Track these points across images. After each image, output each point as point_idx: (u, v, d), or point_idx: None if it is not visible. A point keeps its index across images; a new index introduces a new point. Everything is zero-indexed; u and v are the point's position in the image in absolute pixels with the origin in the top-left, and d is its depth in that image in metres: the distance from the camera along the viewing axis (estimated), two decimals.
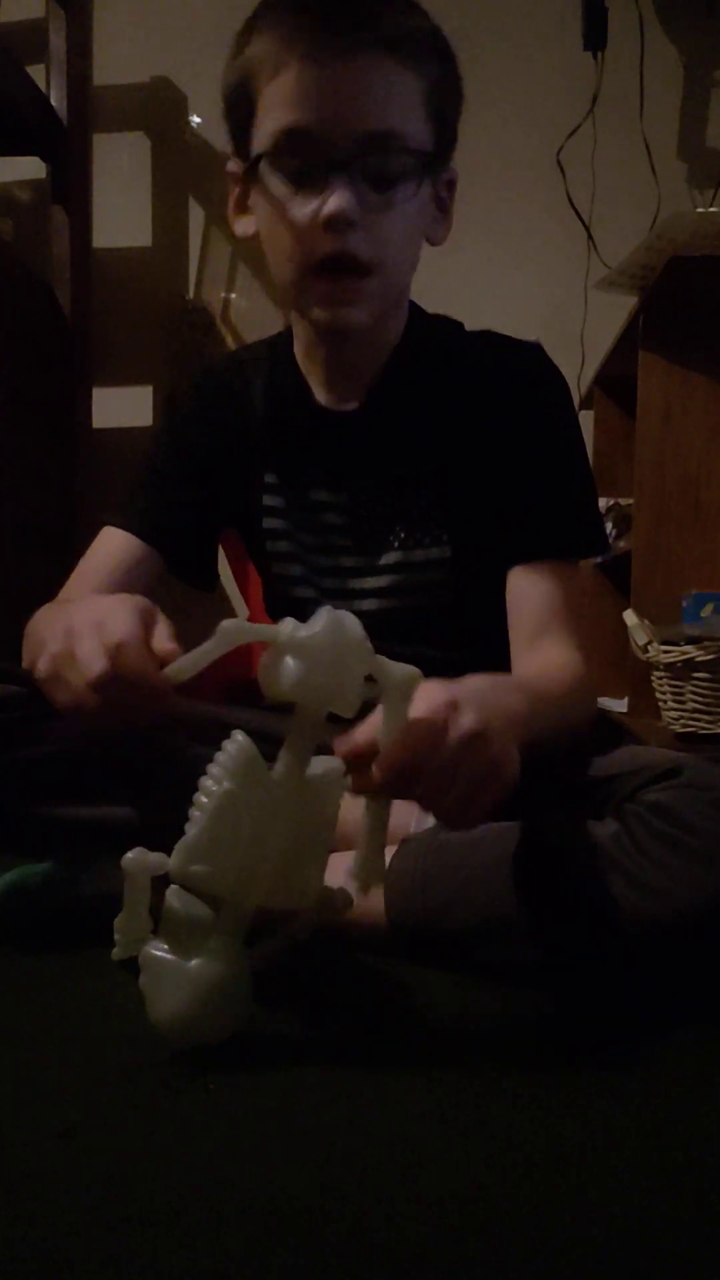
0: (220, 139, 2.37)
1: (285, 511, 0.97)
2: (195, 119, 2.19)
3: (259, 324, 2.18)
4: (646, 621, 1.47)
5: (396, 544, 0.95)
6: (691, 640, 1.39)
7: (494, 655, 0.90)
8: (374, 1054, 0.65)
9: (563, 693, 0.83)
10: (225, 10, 2.11)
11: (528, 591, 0.90)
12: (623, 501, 1.78)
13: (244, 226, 0.91)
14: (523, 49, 2.10)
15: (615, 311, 1.78)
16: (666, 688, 1.44)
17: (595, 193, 2.04)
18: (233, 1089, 0.58)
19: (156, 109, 2.19)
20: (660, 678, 1.46)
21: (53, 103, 2.06)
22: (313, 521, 0.97)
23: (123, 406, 2.23)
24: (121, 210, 2.21)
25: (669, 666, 1.41)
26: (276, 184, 0.83)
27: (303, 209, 0.81)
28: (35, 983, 0.75)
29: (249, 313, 2.20)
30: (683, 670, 1.40)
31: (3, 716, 0.84)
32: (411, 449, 0.94)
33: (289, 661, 0.60)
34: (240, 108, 0.85)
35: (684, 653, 1.39)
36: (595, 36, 2.01)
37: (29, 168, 2.14)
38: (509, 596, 0.92)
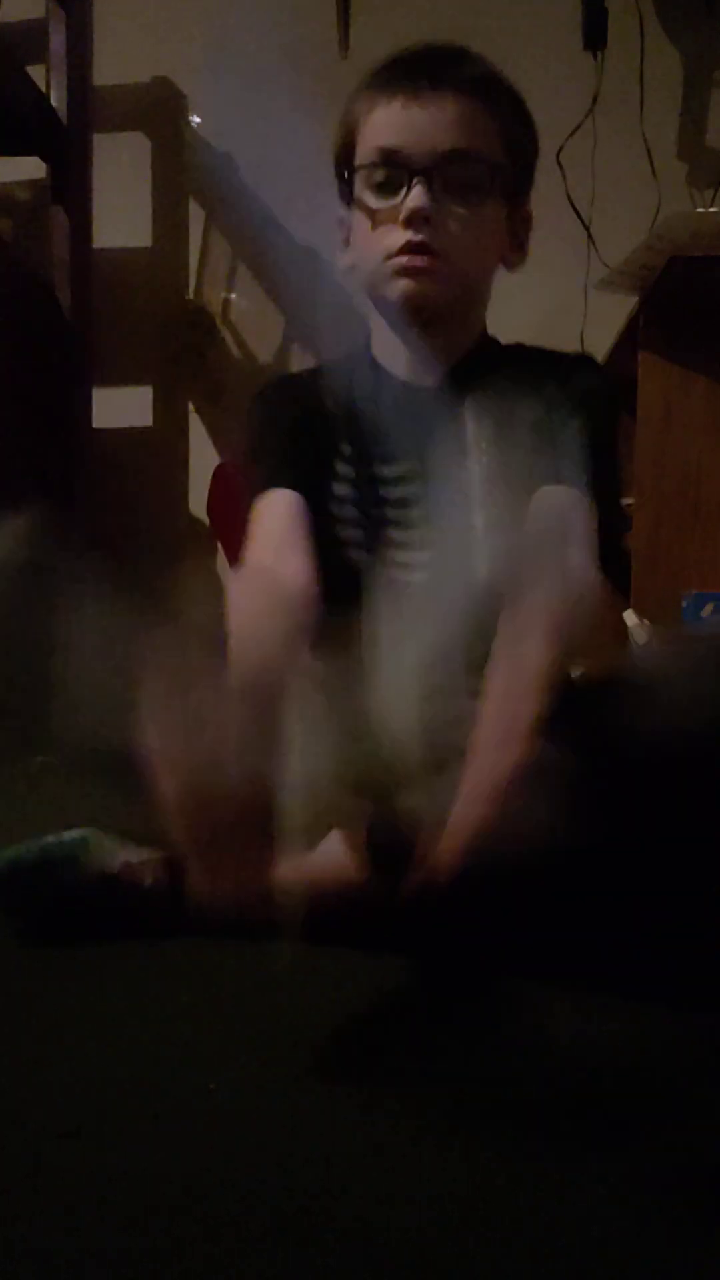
0: (220, 139, 2.37)
1: (355, 480, 1.02)
2: (195, 119, 2.19)
3: (259, 324, 2.18)
4: (646, 621, 1.47)
5: (459, 517, 0.98)
6: None
7: None
8: (374, 1054, 0.64)
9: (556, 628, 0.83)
10: (225, 10, 2.13)
11: (550, 505, 0.93)
12: (623, 501, 1.78)
13: (346, 259, 1.03)
14: (523, 49, 2.10)
15: (615, 311, 1.78)
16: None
17: (595, 193, 2.04)
18: (233, 1089, 0.58)
19: (156, 109, 2.19)
20: None
21: (53, 103, 2.06)
22: (379, 492, 1.01)
23: (123, 406, 2.23)
24: (121, 210, 2.21)
25: None
26: (366, 194, 0.96)
27: (387, 210, 0.94)
28: (37, 983, 0.75)
29: (249, 313, 2.20)
30: None
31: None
32: (487, 432, 0.98)
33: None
34: (345, 156, 0.99)
35: None
36: (595, 36, 2.01)
37: (29, 168, 2.14)
38: (530, 513, 0.95)
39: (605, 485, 1.01)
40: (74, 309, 2.10)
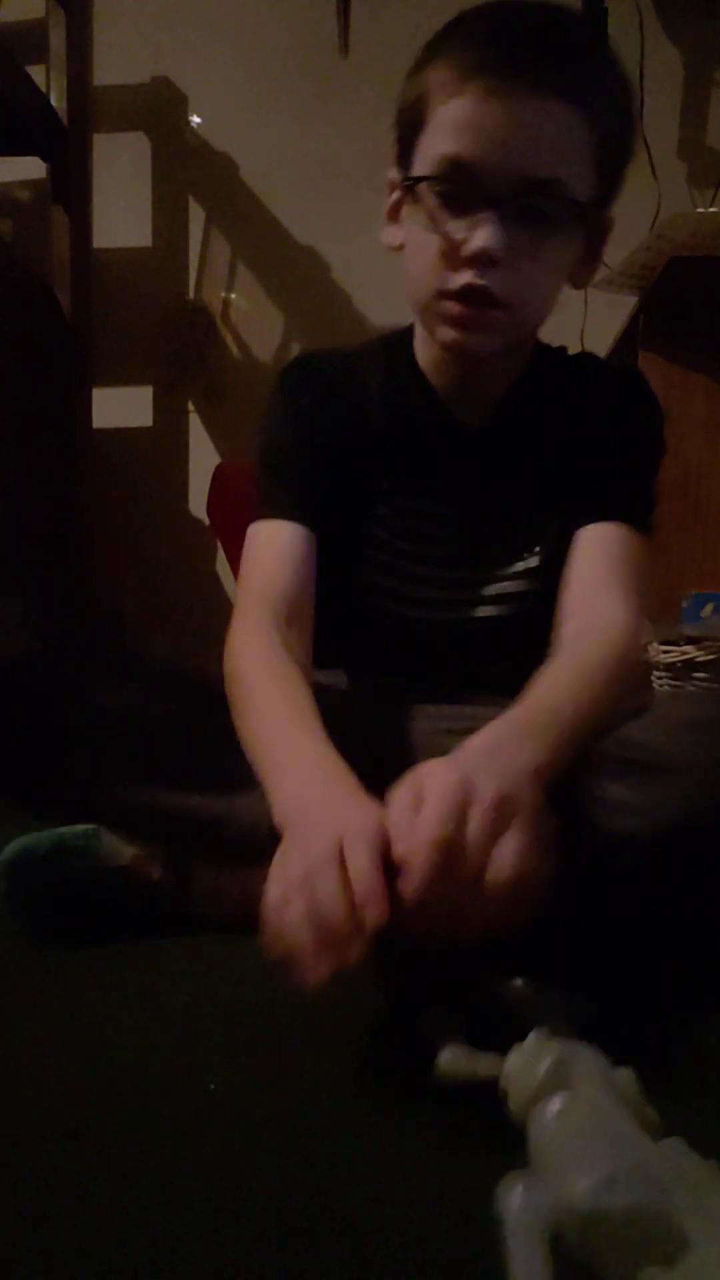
0: (220, 139, 2.37)
1: (389, 519, 0.95)
2: (195, 119, 2.19)
3: (259, 324, 2.19)
4: (646, 621, 1.47)
5: (496, 564, 0.96)
6: (691, 640, 1.39)
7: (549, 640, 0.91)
8: (374, 1054, 0.64)
9: (600, 679, 0.78)
10: (225, 10, 2.13)
11: (588, 545, 0.90)
12: None
13: (391, 236, 0.90)
14: None
15: (615, 311, 1.78)
16: (666, 688, 1.44)
17: None
18: (233, 1089, 0.58)
19: (156, 109, 2.19)
20: (660, 678, 1.46)
21: (53, 103, 2.06)
22: (415, 531, 0.95)
23: (123, 406, 2.23)
24: (121, 210, 2.21)
25: (669, 666, 1.41)
26: (431, 205, 0.82)
27: (450, 236, 0.81)
28: (38, 981, 0.76)
29: (249, 313, 2.20)
30: (683, 670, 1.40)
31: (30, 675, 0.82)
32: (529, 471, 0.95)
33: None
34: (411, 122, 0.84)
35: (684, 653, 1.39)
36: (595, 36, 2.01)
37: (29, 168, 2.14)
38: (572, 553, 0.90)
39: (649, 492, 0.96)
40: (74, 309, 2.10)
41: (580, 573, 0.89)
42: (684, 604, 1.48)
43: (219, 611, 2.14)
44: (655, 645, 1.43)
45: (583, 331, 2.00)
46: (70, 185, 2.10)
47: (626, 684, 0.81)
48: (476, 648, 0.97)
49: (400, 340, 0.97)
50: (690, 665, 1.39)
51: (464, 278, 0.80)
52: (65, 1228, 0.45)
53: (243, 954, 0.78)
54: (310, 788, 0.66)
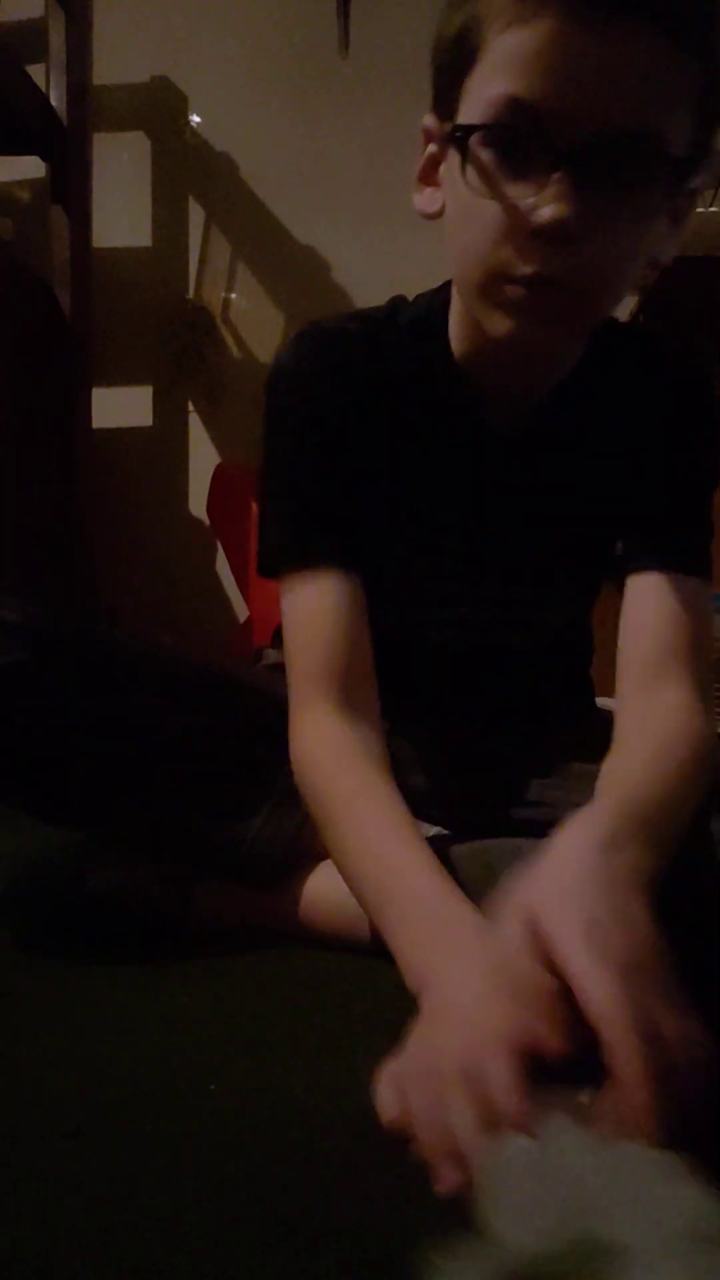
0: (220, 139, 2.37)
1: (407, 527, 0.84)
2: (195, 119, 2.19)
3: (259, 324, 2.19)
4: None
5: (515, 582, 0.88)
6: None
7: (571, 666, 0.90)
8: (374, 1054, 0.64)
9: (678, 780, 0.68)
10: (225, 10, 2.13)
11: (651, 609, 0.78)
12: None
13: (425, 201, 0.74)
14: None
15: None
16: None
17: None
18: (233, 1089, 0.58)
19: (156, 109, 2.19)
20: None
21: (53, 103, 2.06)
22: (432, 542, 0.85)
23: (123, 406, 2.23)
24: (121, 210, 2.21)
25: None
26: (486, 162, 0.64)
27: (513, 203, 0.63)
28: (38, 983, 0.75)
29: (249, 313, 2.20)
30: None
31: (33, 684, 0.76)
32: (568, 488, 0.85)
33: None
34: (456, 58, 0.66)
35: None
36: None
37: (29, 168, 2.14)
38: (627, 610, 0.79)
39: (709, 523, 0.84)
40: (74, 309, 2.10)
41: (640, 646, 0.77)
42: None
43: (219, 611, 2.15)
44: None
45: None
46: (70, 185, 2.10)
47: (703, 777, 0.70)
48: (496, 678, 0.92)
49: (429, 317, 0.82)
50: None
51: (530, 258, 0.64)
52: (65, 1228, 0.45)
53: (241, 956, 0.78)
54: (441, 957, 0.58)
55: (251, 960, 0.78)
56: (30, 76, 1.98)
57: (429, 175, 0.73)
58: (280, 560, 0.80)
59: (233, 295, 2.21)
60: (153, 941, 0.81)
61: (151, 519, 2.24)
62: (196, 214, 2.22)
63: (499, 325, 0.69)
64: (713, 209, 1.54)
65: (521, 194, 0.63)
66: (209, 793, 0.82)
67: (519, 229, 0.64)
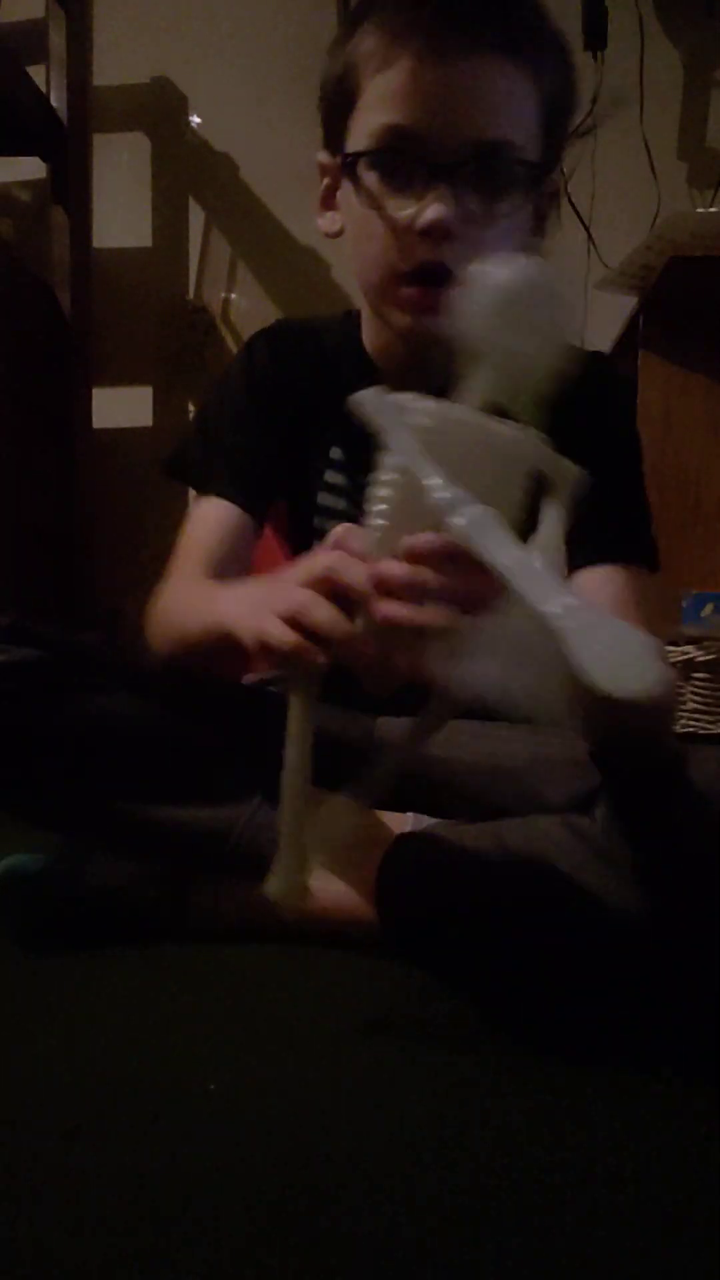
0: (220, 139, 2.37)
1: (344, 490, 0.93)
2: (195, 119, 2.19)
3: (259, 324, 2.18)
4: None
5: None
6: (691, 640, 1.39)
7: None
8: (374, 1054, 0.64)
9: None
10: (225, 10, 2.13)
11: (594, 593, 0.85)
12: None
13: (327, 224, 0.86)
14: None
15: (615, 311, 1.78)
16: None
17: (595, 193, 2.04)
18: (233, 1089, 0.58)
19: (156, 109, 2.19)
20: None
21: (53, 103, 2.06)
22: (350, 516, 0.91)
23: (123, 406, 2.23)
24: (121, 210, 2.21)
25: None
26: (373, 183, 0.77)
27: (398, 213, 0.76)
28: (37, 982, 0.75)
29: (249, 313, 2.19)
30: (683, 670, 1.40)
31: (25, 682, 0.81)
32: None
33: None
34: (339, 100, 0.79)
35: (684, 653, 1.39)
36: (595, 36, 2.01)
37: (29, 168, 2.14)
38: None
39: (644, 507, 0.93)
40: (74, 309, 2.10)
41: None
42: (684, 604, 1.48)
43: None
44: None
45: (583, 332, 2.00)
46: (70, 185, 2.10)
47: None
48: None
49: (351, 321, 0.95)
50: (690, 665, 1.39)
51: (418, 255, 0.76)
52: (65, 1228, 0.45)
53: (241, 956, 0.78)
54: (248, 587, 0.69)
55: (251, 960, 0.78)
56: (30, 76, 1.98)
57: (329, 201, 0.86)
58: (193, 480, 0.95)
59: (233, 295, 2.21)
60: (152, 941, 0.81)
61: (151, 519, 2.24)
62: (196, 214, 2.22)
63: (399, 321, 0.81)
64: (713, 209, 1.54)
65: (405, 205, 0.76)
66: (192, 787, 0.82)
67: (406, 234, 0.76)
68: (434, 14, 0.73)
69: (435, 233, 0.74)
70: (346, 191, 0.81)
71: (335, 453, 0.93)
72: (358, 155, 0.77)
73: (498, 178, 0.76)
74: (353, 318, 0.95)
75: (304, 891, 0.63)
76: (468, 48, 0.72)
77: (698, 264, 1.48)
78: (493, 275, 0.54)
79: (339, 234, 0.85)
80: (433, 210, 0.74)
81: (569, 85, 0.82)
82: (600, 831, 0.73)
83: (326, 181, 0.85)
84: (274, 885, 0.63)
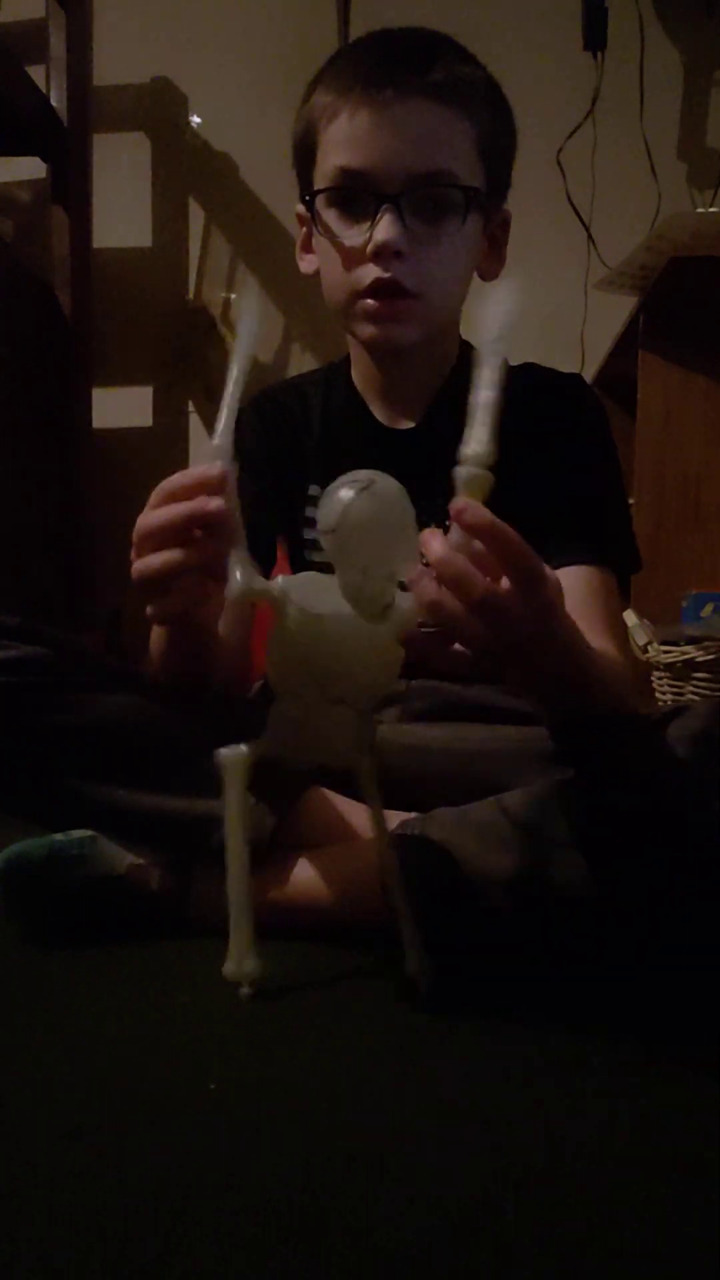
0: (220, 139, 2.37)
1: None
2: (195, 119, 2.19)
3: (259, 324, 2.19)
4: (646, 621, 1.47)
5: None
6: (691, 640, 1.39)
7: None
8: (374, 1054, 0.64)
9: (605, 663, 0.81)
10: (225, 10, 2.13)
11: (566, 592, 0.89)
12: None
13: (308, 265, 0.98)
14: (523, 49, 2.10)
15: (615, 311, 1.78)
16: (667, 688, 1.44)
17: (595, 193, 2.04)
18: (233, 1089, 0.58)
19: (156, 109, 2.19)
20: (660, 678, 1.46)
21: (53, 103, 2.06)
22: None
23: (123, 406, 2.23)
24: (121, 210, 2.21)
25: (669, 667, 1.41)
26: (331, 217, 0.90)
27: (353, 240, 0.88)
28: (38, 982, 0.75)
29: None
30: (683, 670, 1.40)
31: (27, 679, 0.82)
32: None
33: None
34: (305, 154, 0.93)
35: (684, 653, 1.39)
36: (595, 36, 2.01)
37: (29, 168, 2.14)
38: None
39: (619, 513, 0.99)
40: (74, 309, 2.10)
41: None
42: (684, 604, 1.48)
43: None
44: (656, 645, 1.43)
45: (583, 332, 2.00)
46: (70, 185, 2.10)
47: (623, 681, 0.85)
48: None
49: (341, 360, 1.04)
50: (690, 665, 1.39)
51: (373, 273, 0.87)
52: (65, 1228, 0.45)
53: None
54: None
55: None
56: (30, 76, 1.98)
57: (307, 245, 0.98)
58: None
59: (233, 295, 2.21)
60: (153, 933, 0.81)
61: None
62: (196, 214, 2.22)
63: (365, 330, 0.91)
64: (713, 209, 1.54)
65: (360, 233, 0.88)
66: (190, 780, 0.82)
67: (362, 256, 0.88)
68: (370, 70, 0.86)
69: (385, 253, 0.86)
70: (316, 231, 0.93)
71: (314, 490, 1.00)
72: (316, 194, 0.90)
73: (438, 202, 0.87)
74: (341, 363, 1.05)
75: (255, 972, 0.69)
76: (401, 95, 0.85)
77: (698, 264, 1.48)
78: (336, 501, 0.62)
79: (317, 273, 0.95)
80: (380, 232, 0.86)
81: (505, 123, 0.93)
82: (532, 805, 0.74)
83: (304, 230, 0.97)
84: (228, 968, 0.69)
